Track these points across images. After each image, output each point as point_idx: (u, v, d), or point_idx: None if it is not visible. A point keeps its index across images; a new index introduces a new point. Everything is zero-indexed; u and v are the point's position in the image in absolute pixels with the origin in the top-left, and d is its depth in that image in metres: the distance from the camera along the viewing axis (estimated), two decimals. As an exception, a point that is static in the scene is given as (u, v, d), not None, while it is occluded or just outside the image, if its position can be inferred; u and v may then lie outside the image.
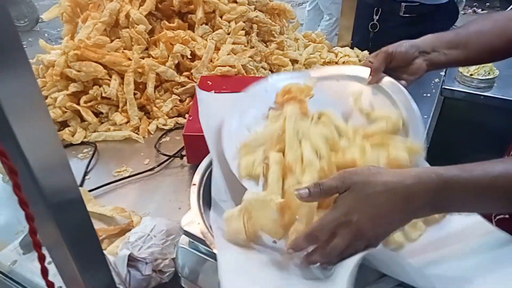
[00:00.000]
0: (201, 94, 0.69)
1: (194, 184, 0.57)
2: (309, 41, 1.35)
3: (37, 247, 0.31)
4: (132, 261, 0.60)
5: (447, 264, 0.44)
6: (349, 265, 0.40)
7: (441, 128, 1.35)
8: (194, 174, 0.61)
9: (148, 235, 0.63)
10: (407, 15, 1.36)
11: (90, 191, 0.80)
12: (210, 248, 0.49)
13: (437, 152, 1.38)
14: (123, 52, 1.04)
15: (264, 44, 1.20)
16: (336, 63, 1.34)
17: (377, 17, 1.39)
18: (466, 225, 0.49)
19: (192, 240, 0.56)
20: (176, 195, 0.82)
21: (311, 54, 1.29)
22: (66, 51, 0.98)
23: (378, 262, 0.41)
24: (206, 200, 0.57)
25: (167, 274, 0.61)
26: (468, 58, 0.70)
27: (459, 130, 1.36)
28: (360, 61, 1.34)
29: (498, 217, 0.68)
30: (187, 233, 0.55)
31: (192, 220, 0.54)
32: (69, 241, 0.41)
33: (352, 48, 1.38)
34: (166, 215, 0.76)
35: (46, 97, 1.01)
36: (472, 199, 0.42)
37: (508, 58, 0.72)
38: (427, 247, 0.48)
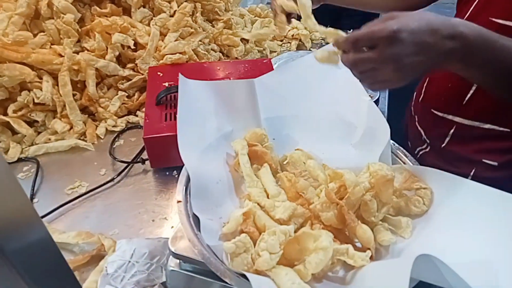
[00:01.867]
0: (185, 82, 0.60)
1: (179, 201, 0.50)
2: (255, 16, 1.28)
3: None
4: (116, 296, 0.52)
5: (460, 248, 0.43)
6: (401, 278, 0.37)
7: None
8: (163, 181, 0.54)
9: (129, 261, 0.56)
10: None
11: (42, 217, 0.69)
12: (214, 272, 0.43)
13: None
14: (51, 47, 0.89)
15: (210, 24, 1.11)
16: (285, 37, 1.29)
17: None
18: (453, 209, 0.48)
19: (183, 261, 0.50)
20: (145, 205, 0.73)
21: (259, 30, 1.22)
22: (-20, 53, 0.81)
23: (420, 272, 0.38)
24: (195, 216, 0.50)
25: (159, 301, 0.55)
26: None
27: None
28: (309, 32, 1.30)
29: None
30: (182, 257, 0.49)
31: (187, 245, 0.47)
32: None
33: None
34: (139, 231, 0.68)
35: (-37, 111, 0.84)
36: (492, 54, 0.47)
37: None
38: (427, 241, 0.47)
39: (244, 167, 0.56)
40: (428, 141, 0.80)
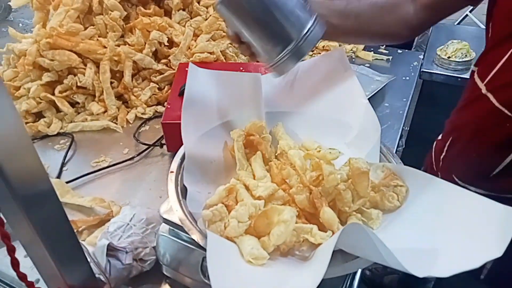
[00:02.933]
0: (194, 70, 0.65)
1: (172, 172, 0.56)
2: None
3: (5, 238, 0.31)
4: (112, 250, 0.59)
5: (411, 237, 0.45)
6: (328, 248, 0.40)
7: (420, 110, 1.37)
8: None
9: (128, 224, 0.63)
10: None
11: (68, 182, 0.79)
12: (189, 235, 0.49)
13: (418, 133, 1.40)
14: (97, 39, 1.01)
15: (243, 30, 1.18)
16: (316, 47, 1.33)
17: None
18: (421, 206, 0.50)
19: (172, 228, 0.56)
20: (156, 184, 0.81)
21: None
22: (38, 39, 0.95)
23: (351, 242, 0.42)
24: (185, 187, 0.56)
25: (148, 262, 0.61)
26: (360, 31, 0.68)
27: (438, 112, 1.38)
28: (340, 45, 1.34)
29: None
30: (167, 221, 0.55)
31: (171, 208, 0.53)
32: (43, 236, 0.40)
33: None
34: (146, 204, 0.75)
35: (19, 88, 0.98)
36: None
37: (400, 40, 0.71)
38: (390, 231, 0.49)
39: (237, 151, 0.62)
40: None
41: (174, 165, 0.58)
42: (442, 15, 0.68)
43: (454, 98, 1.33)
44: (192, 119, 0.62)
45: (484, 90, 0.60)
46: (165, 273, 0.61)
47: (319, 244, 0.47)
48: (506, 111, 0.57)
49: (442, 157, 0.74)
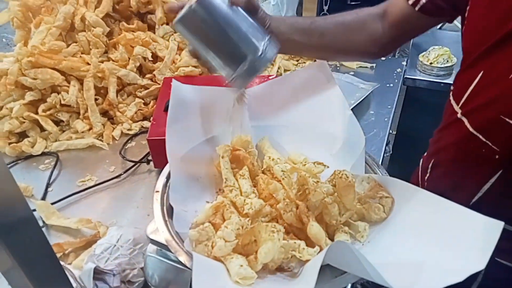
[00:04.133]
0: (177, 87, 0.65)
1: (157, 191, 0.56)
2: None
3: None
4: (99, 274, 0.58)
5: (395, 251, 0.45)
6: (315, 266, 0.40)
7: (405, 116, 1.38)
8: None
9: (115, 245, 0.62)
10: (353, 2, 1.40)
11: (53, 203, 0.77)
12: (172, 252, 0.48)
13: (403, 138, 1.42)
14: (80, 56, 1.00)
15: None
16: (301, 57, 1.34)
17: (327, 7, 1.42)
18: (405, 217, 0.50)
19: (160, 248, 0.55)
20: (144, 201, 0.80)
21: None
22: (20, 58, 0.93)
23: (338, 259, 0.42)
24: (171, 206, 0.56)
25: (136, 284, 0.60)
26: (325, 48, 0.67)
27: (422, 117, 1.40)
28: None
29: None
30: (154, 242, 0.54)
31: (157, 228, 0.52)
32: (23, 263, 0.39)
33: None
34: (134, 223, 0.74)
35: (1, 108, 0.96)
36: None
37: (370, 57, 0.72)
38: (376, 244, 0.49)
39: (223, 167, 0.61)
40: None
41: (160, 184, 0.57)
42: (411, 35, 0.68)
43: (439, 102, 1.35)
44: (177, 136, 0.62)
45: (459, 114, 0.59)
46: (154, 294, 0.60)
47: (308, 260, 0.47)
48: (480, 137, 0.55)
49: (426, 177, 0.73)
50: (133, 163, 0.88)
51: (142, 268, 0.61)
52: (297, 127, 0.70)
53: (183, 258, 0.46)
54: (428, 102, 1.35)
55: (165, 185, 0.58)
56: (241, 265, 0.44)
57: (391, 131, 1.12)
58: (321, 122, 0.69)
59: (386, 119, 1.02)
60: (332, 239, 0.52)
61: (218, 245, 0.46)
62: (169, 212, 0.55)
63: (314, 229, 0.49)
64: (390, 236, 0.48)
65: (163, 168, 0.61)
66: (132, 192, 0.83)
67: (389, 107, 1.08)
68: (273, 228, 0.46)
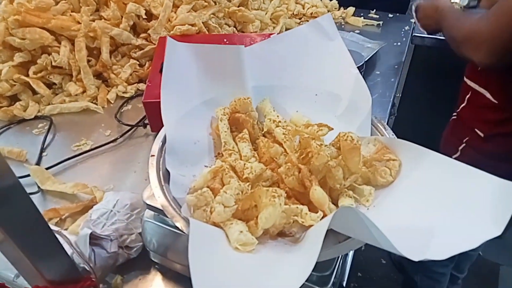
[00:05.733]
0: (173, 45, 0.61)
1: (153, 155, 0.53)
2: (273, -8, 1.28)
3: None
4: (95, 239, 0.56)
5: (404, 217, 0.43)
6: (321, 230, 0.38)
7: (412, 76, 1.33)
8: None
9: (111, 211, 0.60)
10: None
11: (48, 168, 0.75)
12: (169, 217, 0.46)
13: (410, 100, 1.37)
14: (70, 15, 0.94)
15: (227, -1, 1.12)
16: (304, 15, 1.28)
17: None
18: (414, 180, 0.48)
19: (157, 213, 0.54)
20: (141, 166, 0.78)
21: (277, 7, 1.22)
22: (5, 16, 0.88)
23: (343, 224, 0.39)
24: (168, 171, 0.53)
25: (135, 249, 0.59)
26: None
27: (430, 77, 1.35)
28: (328, 11, 1.28)
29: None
30: (150, 207, 0.52)
31: (153, 194, 0.50)
32: (13, 233, 0.38)
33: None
34: (132, 188, 0.73)
35: (-10, 70, 0.92)
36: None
37: None
38: (383, 209, 0.47)
39: (222, 131, 0.58)
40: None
41: (155, 148, 0.54)
42: None
43: (446, 62, 1.30)
44: (172, 98, 0.58)
45: None
46: (153, 259, 0.59)
47: (310, 226, 0.45)
48: None
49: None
50: (129, 127, 0.85)
51: (140, 233, 0.59)
52: (299, 87, 0.66)
53: (180, 224, 0.44)
54: (437, 63, 1.30)
55: (161, 149, 0.55)
56: (241, 231, 0.42)
57: (397, 94, 1.08)
58: (325, 81, 0.65)
59: (392, 80, 0.98)
60: (335, 204, 0.50)
61: (217, 211, 0.44)
62: (166, 177, 0.52)
63: (317, 193, 0.46)
64: (397, 200, 0.46)
65: (159, 132, 0.58)
66: (129, 156, 0.80)
67: (396, 67, 1.03)
68: (274, 193, 0.43)
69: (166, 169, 0.53)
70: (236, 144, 0.59)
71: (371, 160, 0.53)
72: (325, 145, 0.52)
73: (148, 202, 0.52)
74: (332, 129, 0.52)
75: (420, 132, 0.84)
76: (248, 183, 0.48)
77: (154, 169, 0.52)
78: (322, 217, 0.45)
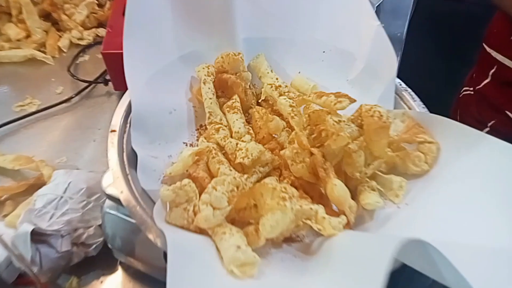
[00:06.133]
0: None
1: (113, 130, 0.39)
2: None
3: None
4: (41, 235, 0.44)
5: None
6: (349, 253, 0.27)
7: (416, 31, 1.21)
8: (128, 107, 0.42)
9: (61, 197, 0.47)
10: None
11: (-19, 135, 0.60)
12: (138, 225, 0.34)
13: (416, 57, 1.25)
14: None
15: None
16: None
17: None
18: (463, 172, 0.37)
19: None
20: (103, 133, 0.63)
21: None
22: None
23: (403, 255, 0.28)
24: (134, 151, 0.40)
25: (94, 246, 0.46)
26: None
27: (435, 32, 1.23)
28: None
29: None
30: (112, 199, 0.40)
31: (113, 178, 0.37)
32: None
33: None
34: (90, 162, 0.59)
35: None
36: None
37: None
38: (421, 211, 0.36)
39: (206, 97, 0.45)
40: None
41: (116, 120, 0.41)
42: None
43: (455, 16, 1.17)
44: (139, 52, 0.44)
45: None
46: (117, 257, 0.47)
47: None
48: None
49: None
50: (87, 84, 0.69)
51: (100, 225, 0.47)
52: (303, 41, 0.53)
53: (151, 236, 0.32)
54: (443, 15, 1.18)
55: (126, 120, 0.41)
56: (238, 246, 0.31)
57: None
58: (336, 35, 0.52)
59: (399, 35, 0.85)
60: (352, 197, 0.39)
61: (204, 215, 0.32)
62: (132, 160, 0.39)
63: (339, 190, 0.35)
64: (440, 199, 0.35)
65: (124, 90, 0.44)
66: (87, 121, 0.65)
67: (402, 21, 0.90)
68: (284, 193, 0.31)
69: (132, 148, 0.40)
70: (225, 115, 0.46)
71: (399, 141, 0.41)
72: (344, 122, 0.39)
73: (109, 192, 0.39)
74: (355, 100, 0.39)
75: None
76: (245, 176, 0.35)
77: (115, 150, 0.38)
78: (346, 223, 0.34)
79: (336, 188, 0.35)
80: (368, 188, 0.39)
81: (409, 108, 0.45)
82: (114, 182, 0.36)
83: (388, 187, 0.39)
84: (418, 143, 0.40)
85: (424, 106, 0.44)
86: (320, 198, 0.39)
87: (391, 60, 0.46)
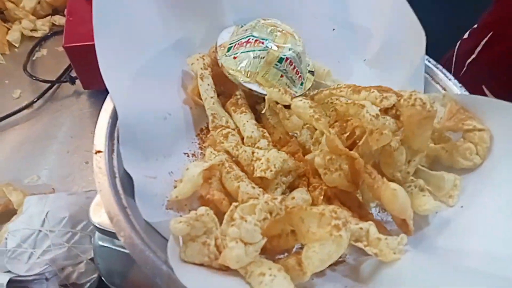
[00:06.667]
0: None
1: (99, 151, 0.31)
2: None
3: None
4: (20, 283, 0.36)
5: None
6: None
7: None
8: (99, 111, 0.34)
9: (39, 231, 0.38)
10: None
11: None
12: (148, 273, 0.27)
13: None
14: None
15: None
16: None
17: None
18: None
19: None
20: (76, 141, 0.54)
21: None
22: None
23: None
24: (127, 173, 0.32)
25: (88, 285, 0.39)
26: None
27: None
28: None
29: None
30: (104, 232, 0.32)
31: (108, 215, 0.29)
32: None
33: None
34: (67, 178, 0.50)
35: None
36: None
37: None
38: (488, 214, 0.30)
39: (206, 96, 0.37)
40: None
41: (100, 139, 0.32)
42: None
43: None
44: (115, 50, 0.35)
45: None
46: (117, 295, 0.40)
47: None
48: None
49: (469, 61, 0.56)
50: (49, 84, 0.59)
51: (92, 259, 0.39)
52: (308, 18, 0.45)
53: (165, 285, 0.25)
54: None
55: (111, 137, 0.33)
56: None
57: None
58: (348, 8, 0.44)
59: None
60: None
61: (236, 255, 0.25)
62: (128, 184, 0.31)
63: (402, 195, 0.28)
64: (502, 200, 0.30)
65: (98, 89, 0.35)
66: (55, 129, 0.56)
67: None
68: (336, 220, 0.25)
69: (125, 170, 0.31)
70: (230, 116, 0.38)
71: (442, 130, 0.36)
72: (380, 115, 0.33)
73: (101, 226, 0.32)
74: (402, 96, 0.32)
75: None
76: (278, 201, 0.28)
77: (104, 178, 0.30)
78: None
79: (397, 193, 0.28)
80: (415, 189, 0.33)
81: (444, 90, 0.39)
82: (112, 219, 0.28)
83: (437, 185, 0.33)
84: (465, 131, 0.34)
85: (461, 86, 0.38)
86: (359, 208, 0.33)
87: (417, 33, 0.40)
